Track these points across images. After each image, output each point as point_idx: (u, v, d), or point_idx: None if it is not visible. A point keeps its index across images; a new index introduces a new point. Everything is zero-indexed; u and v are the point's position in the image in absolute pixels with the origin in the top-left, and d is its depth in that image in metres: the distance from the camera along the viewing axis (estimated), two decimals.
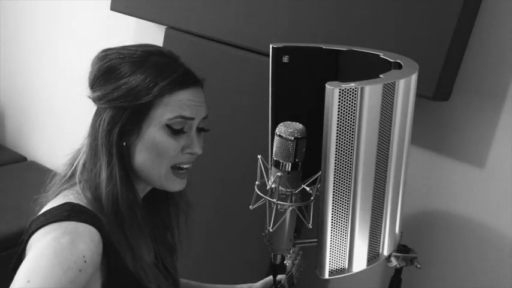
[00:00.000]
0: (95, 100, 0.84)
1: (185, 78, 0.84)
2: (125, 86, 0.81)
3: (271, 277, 1.15)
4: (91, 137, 0.84)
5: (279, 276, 1.12)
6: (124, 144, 0.83)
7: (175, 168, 0.86)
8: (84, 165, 0.86)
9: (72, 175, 0.87)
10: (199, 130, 0.89)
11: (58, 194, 0.86)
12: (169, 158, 0.84)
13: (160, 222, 0.98)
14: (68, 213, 0.77)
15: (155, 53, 0.85)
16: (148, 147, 0.83)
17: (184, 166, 0.87)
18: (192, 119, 0.85)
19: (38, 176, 2.48)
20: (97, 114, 0.84)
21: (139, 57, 0.83)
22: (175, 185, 0.87)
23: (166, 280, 0.92)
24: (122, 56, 0.84)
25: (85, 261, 0.71)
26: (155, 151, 0.83)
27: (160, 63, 0.84)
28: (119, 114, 0.81)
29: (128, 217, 0.83)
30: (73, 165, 0.88)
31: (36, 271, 0.67)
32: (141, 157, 0.84)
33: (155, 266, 0.91)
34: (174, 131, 0.83)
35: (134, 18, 1.83)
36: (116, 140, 0.82)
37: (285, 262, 1.08)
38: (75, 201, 0.81)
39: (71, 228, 0.75)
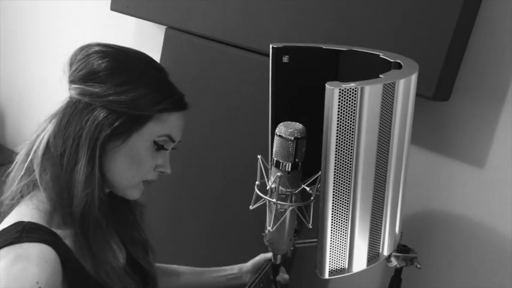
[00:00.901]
0: (88, 95, 0.80)
1: (183, 102, 0.87)
2: (130, 94, 0.80)
3: (261, 255, 1.15)
4: (73, 131, 0.80)
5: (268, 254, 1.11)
6: (108, 148, 0.81)
7: (145, 182, 0.87)
8: (43, 157, 0.81)
9: (28, 170, 0.83)
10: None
11: (14, 205, 0.82)
12: (143, 172, 0.85)
13: (124, 221, 0.97)
14: (18, 234, 0.74)
15: (153, 66, 0.87)
16: (129, 156, 0.82)
17: (151, 181, 0.89)
18: (174, 141, 0.87)
19: None
20: (81, 109, 0.80)
21: (143, 67, 0.84)
22: (136, 195, 0.88)
23: (133, 281, 0.90)
24: (123, 60, 0.83)
25: (40, 287, 0.69)
26: (135, 162, 0.83)
27: (161, 79, 0.86)
28: (113, 117, 0.80)
29: (94, 221, 0.81)
30: (29, 155, 0.83)
31: None
32: (117, 164, 0.82)
33: (122, 268, 0.89)
34: (158, 147, 0.84)
35: (134, 18, 1.83)
36: (102, 142, 0.79)
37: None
38: (26, 219, 0.78)
39: (22, 252, 0.72)
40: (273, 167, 0.83)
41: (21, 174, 0.84)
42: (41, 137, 0.84)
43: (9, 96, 2.59)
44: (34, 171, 0.82)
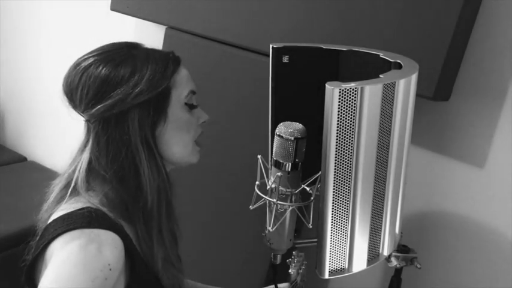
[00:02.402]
0: (114, 105, 0.80)
1: (177, 56, 0.91)
2: (143, 79, 0.82)
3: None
4: (119, 143, 0.82)
5: (282, 285, 1.12)
6: (156, 134, 0.85)
7: (198, 143, 0.93)
8: (87, 184, 0.83)
9: (71, 194, 0.84)
10: None
11: (64, 201, 0.83)
12: (193, 132, 0.91)
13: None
14: (88, 219, 0.77)
15: (131, 45, 0.89)
16: (177, 128, 0.87)
17: (201, 137, 0.94)
18: (195, 93, 0.92)
19: (38, 176, 2.46)
20: (115, 121, 0.82)
21: (127, 52, 0.86)
22: (197, 158, 0.94)
23: (177, 273, 0.93)
24: (110, 59, 0.83)
25: (110, 269, 0.71)
26: (183, 130, 0.89)
27: (149, 52, 0.88)
28: (145, 108, 0.83)
29: (165, 209, 0.86)
30: (68, 188, 0.84)
31: (65, 280, 0.67)
32: (172, 140, 0.87)
33: (171, 263, 0.92)
34: (190, 106, 0.90)
35: (134, 18, 1.83)
36: (151, 133, 0.84)
37: (289, 271, 1.08)
38: (94, 206, 0.80)
39: (94, 236, 0.74)
40: (273, 167, 0.83)
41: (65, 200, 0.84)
42: (79, 167, 0.84)
43: (9, 96, 2.59)
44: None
